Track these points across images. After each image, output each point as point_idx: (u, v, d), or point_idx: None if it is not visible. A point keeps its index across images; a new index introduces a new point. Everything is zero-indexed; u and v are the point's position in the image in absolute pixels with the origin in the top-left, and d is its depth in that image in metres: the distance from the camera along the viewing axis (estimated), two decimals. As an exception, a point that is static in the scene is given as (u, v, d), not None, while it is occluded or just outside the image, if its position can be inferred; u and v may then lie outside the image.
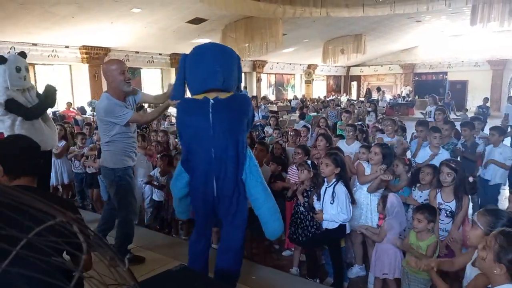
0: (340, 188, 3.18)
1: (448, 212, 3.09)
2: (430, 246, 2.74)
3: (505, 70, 19.63)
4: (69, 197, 6.18)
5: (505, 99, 17.47)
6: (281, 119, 12.75)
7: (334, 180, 3.23)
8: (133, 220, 3.48)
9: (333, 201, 3.17)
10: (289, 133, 5.70)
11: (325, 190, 3.27)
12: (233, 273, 2.60)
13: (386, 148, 3.61)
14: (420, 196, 3.43)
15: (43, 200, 0.58)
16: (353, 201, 3.27)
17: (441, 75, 22.30)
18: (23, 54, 3.66)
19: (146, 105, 12.23)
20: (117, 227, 3.38)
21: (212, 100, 2.44)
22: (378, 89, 21.10)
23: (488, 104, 11.90)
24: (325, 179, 3.30)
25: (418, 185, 3.48)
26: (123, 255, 3.28)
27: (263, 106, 11.66)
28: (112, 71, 3.19)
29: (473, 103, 20.27)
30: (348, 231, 3.24)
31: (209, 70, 2.44)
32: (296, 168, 3.82)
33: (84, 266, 0.62)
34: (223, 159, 2.45)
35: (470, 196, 3.20)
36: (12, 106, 3.42)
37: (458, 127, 5.32)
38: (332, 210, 3.17)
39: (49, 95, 3.65)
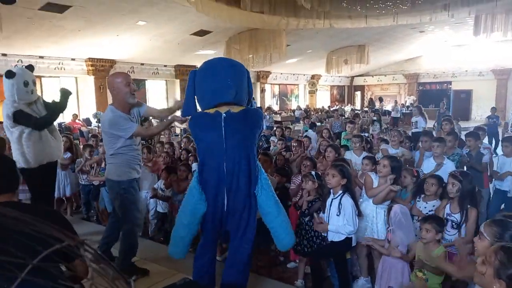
0: (347, 200, 3.17)
1: (454, 224, 3.07)
2: (440, 256, 2.71)
3: (509, 79, 19.60)
4: (74, 209, 6.21)
5: (510, 108, 17.42)
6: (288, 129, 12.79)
7: (340, 191, 3.21)
8: (137, 232, 3.47)
9: (339, 213, 3.15)
10: (292, 143, 5.70)
11: (331, 201, 3.25)
12: (240, 287, 2.58)
13: (395, 160, 3.59)
14: (425, 207, 3.41)
15: (52, 225, 0.59)
16: (359, 213, 3.25)
17: (445, 84, 22.28)
18: (30, 68, 3.73)
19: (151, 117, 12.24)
20: (122, 239, 3.38)
21: (224, 114, 2.47)
22: (380, 99, 21.11)
23: (497, 114, 11.89)
24: (331, 191, 3.29)
25: (422, 196, 3.46)
26: (127, 267, 3.30)
27: (267, 117, 11.69)
28: (117, 83, 3.21)
29: (478, 112, 20.23)
30: (354, 243, 3.22)
31: (221, 83, 2.47)
32: (300, 179, 3.82)
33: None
34: (235, 173, 2.46)
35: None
36: (20, 118, 3.49)
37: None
38: (338, 222, 3.15)
39: (65, 98, 3.80)
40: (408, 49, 19.58)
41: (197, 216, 2.59)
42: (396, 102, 19.77)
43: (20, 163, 3.55)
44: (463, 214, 3.03)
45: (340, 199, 3.19)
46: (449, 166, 4.15)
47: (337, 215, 3.16)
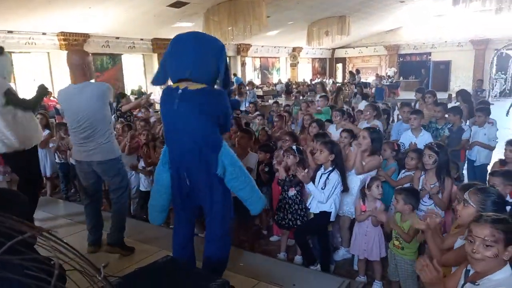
0: (333, 177, 3.22)
1: (430, 194, 3.15)
2: (412, 226, 2.80)
3: (487, 49, 19.85)
4: (54, 190, 6.11)
5: (487, 78, 17.75)
6: (266, 103, 12.73)
7: (330, 168, 3.25)
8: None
9: (324, 187, 3.21)
10: (274, 119, 5.67)
11: (320, 176, 3.31)
12: (221, 261, 2.60)
13: (375, 132, 3.64)
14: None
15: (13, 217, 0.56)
16: (345, 189, 3.30)
17: (425, 55, 22.45)
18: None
19: (129, 94, 12.00)
20: (117, 214, 3.35)
21: (180, 90, 2.37)
22: (357, 71, 21.14)
23: (484, 87, 11.56)
24: (322, 166, 3.33)
25: (404, 170, 3.54)
26: (120, 243, 3.33)
27: (249, 92, 11.57)
28: (88, 62, 3.16)
29: (456, 83, 20.56)
30: (332, 218, 3.29)
31: (180, 59, 2.39)
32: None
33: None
34: (192, 151, 2.40)
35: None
36: (12, 96, 3.37)
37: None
38: (320, 195, 3.22)
39: (40, 97, 3.67)
40: (389, 20, 19.50)
41: (162, 184, 2.62)
42: (377, 75, 19.80)
43: (14, 145, 3.42)
44: (441, 184, 3.12)
45: (328, 175, 3.24)
46: (425, 137, 4.24)
47: (322, 188, 3.21)
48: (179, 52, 2.41)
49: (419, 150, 3.56)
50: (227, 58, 2.39)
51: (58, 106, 10.89)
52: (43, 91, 3.70)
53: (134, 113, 7.49)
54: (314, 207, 3.31)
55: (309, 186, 3.23)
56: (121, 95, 6.99)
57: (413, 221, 2.56)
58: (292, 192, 3.51)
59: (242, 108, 9.95)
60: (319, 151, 3.27)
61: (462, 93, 6.69)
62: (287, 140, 4.06)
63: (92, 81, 3.24)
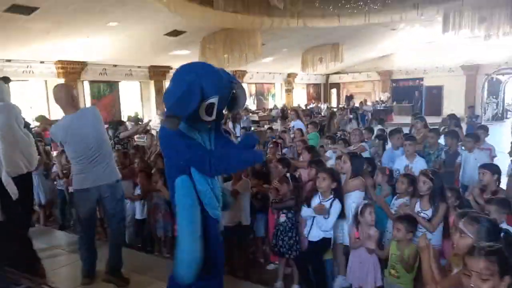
0: (337, 206, 3.21)
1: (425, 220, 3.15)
2: (411, 254, 2.79)
3: (478, 75, 20.27)
4: (48, 217, 6.04)
5: (479, 103, 18.07)
6: (262, 129, 12.81)
7: (331, 196, 3.24)
8: None
9: (328, 216, 3.19)
10: (268, 144, 5.71)
11: (319, 203, 3.27)
12: None
13: (355, 156, 3.68)
14: (394, 205, 3.52)
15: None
16: (343, 216, 3.29)
17: (418, 80, 22.87)
18: (6, 80, 3.62)
19: (125, 120, 12.07)
20: (115, 241, 3.35)
21: None
22: (350, 97, 21.51)
23: (477, 113, 11.47)
24: (319, 194, 3.31)
25: (396, 196, 3.56)
26: (119, 272, 3.32)
27: (244, 117, 11.66)
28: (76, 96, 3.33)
29: (449, 107, 20.84)
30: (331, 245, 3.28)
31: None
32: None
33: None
34: None
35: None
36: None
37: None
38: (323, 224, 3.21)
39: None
40: (381, 47, 19.97)
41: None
42: (365, 101, 20.07)
43: (29, 167, 3.41)
44: (435, 210, 3.13)
45: (332, 203, 3.22)
46: (420, 163, 4.27)
47: (325, 218, 3.19)
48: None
49: (410, 175, 3.60)
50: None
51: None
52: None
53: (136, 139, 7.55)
54: (315, 235, 3.28)
55: (319, 218, 3.20)
56: (119, 123, 7.05)
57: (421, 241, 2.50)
58: (282, 218, 3.50)
59: (238, 134, 10.02)
60: (321, 178, 3.25)
61: (453, 118, 6.86)
62: (279, 167, 4.07)
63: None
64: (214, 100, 2.21)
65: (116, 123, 8.36)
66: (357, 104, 19.70)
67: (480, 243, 1.75)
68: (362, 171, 3.67)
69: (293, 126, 8.36)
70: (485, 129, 5.59)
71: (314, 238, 3.29)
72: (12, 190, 3.17)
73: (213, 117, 2.27)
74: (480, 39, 14.63)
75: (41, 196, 5.58)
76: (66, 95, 3.20)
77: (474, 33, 11.60)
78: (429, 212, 3.17)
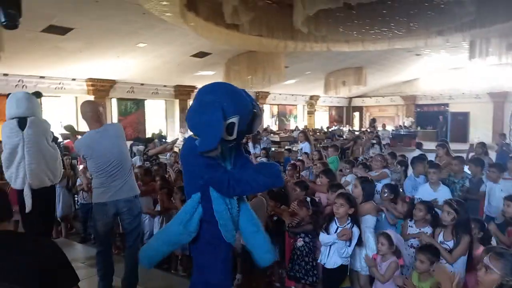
0: (357, 232, 3.15)
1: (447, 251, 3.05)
2: (433, 287, 2.70)
3: (506, 102, 19.77)
4: (70, 230, 6.18)
5: (507, 131, 17.52)
6: (282, 150, 12.79)
7: (348, 221, 3.18)
8: None
9: (350, 243, 3.12)
10: (287, 167, 5.70)
11: (336, 229, 3.21)
12: None
13: (365, 181, 3.62)
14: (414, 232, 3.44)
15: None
16: (360, 243, 3.22)
17: (443, 106, 22.47)
18: (37, 94, 3.77)
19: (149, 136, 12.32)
20: (132, 258, 3.36)
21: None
22: (373, 120, 21.32)
23: (507, 141, 10.49)
24: (335, 219, 3.25)
25: (413, 221, 3.47)
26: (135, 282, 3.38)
27: (264, 138, 11.72)
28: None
29: (475, 134, 20.31)
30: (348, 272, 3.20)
31: None
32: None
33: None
34: None
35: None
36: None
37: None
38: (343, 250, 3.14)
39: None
40: (405, 72, 19.82)
41: None
42: (384, 125, 19.84)
43: (45, 182, 3.51)
44: (457, 242, 3.03)
45: (350, 229, 3.14)
46: (444, 192, 4.17)
47: (347, 245, 3.12)
48: None
49: (428, 202, 3.53)
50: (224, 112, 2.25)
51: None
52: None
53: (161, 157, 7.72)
54: (333, 262, 3.19)
55: (341, 244, 3.11)
56: (148, 140, 7.29)
57: (440, 272, 2.41)
58: (300, 242, 3.45)
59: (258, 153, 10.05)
60: (339, 204, 3.20)
61: (483, 146, 6.72)
62: (295, 190, 4.05)
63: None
64: (235, 120, 2.23)
65: (146, 141, 8.62)
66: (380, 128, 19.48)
67: (507, 279, 1.69)
68: (373, 196, 3.61)
69: (301, 149, 8.42)
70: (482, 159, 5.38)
71: (332, 265, 3.20)
72: (28, 203, 3.28)
73: (234, 136, 2.28)
74: (508, 66, 14.37)
75: (58, 209, 5.67)
76: (92, 111, 3.34)
77: (501, 60, 11.40)
78: (451, 243, 3.07)
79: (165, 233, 2.49)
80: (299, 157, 7.63)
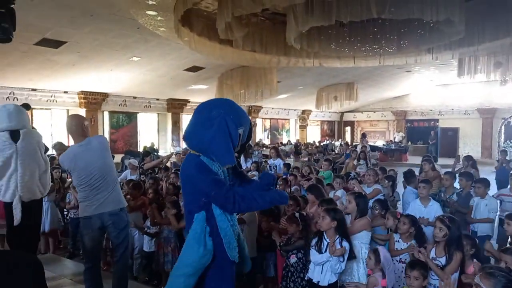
0: (346, 246, 3.12)
1: (439, 268, 3.06)
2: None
3: (494, 118, 20.13)
4: (59, 245, 6.07)
5: (496, 146, 17.81)
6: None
7: (337, 236, 3.15)
8: None
9: (343, 259, 3.09)
10: (278, 182, 5.69)
11: (327, 245, 3.16)
12: None
13: (360, 196, 3.63)
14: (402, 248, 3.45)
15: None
16: (352, 257, 3.19)
17: (433, 122, 22.80)
18: (26, 106, 3.75)
19: (140, 150, 12.25)
20: (120, 276, 3.32)
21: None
22: (363, 135, 21.57)
23: (508, 157, 10.16)
24: (324, 234, 3.22)
25: (399, 236, 3.49)
26: None
27: (256, 152, 11.71)
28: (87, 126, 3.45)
29: (465, 150, 20.59)
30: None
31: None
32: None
33: None
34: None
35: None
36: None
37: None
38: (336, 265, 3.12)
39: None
40: (396, 88, 20.13)
41: None
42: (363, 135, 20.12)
43: (36, 194, 3.44)
44: (450, 258, 3.04)
45: (340, 244, 3.11)
46: (434, 208, 4.19)
47: (340, 261, 3.09)
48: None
49: (412, 217, 3.54)
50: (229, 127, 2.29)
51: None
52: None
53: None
54: (327, 279, 3.13)
55: (333, 259, 3.07)
56: (145, 153, 7.25)
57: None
58: (293, 259, 3.43)
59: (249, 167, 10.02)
60: (321, 217, 3.20)
61: (469, 159, 6.77)
62: (290, 204, 4.04)
63: None
64: (241, 131, 2.34)
65: (143, 154, 8.53)
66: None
67: None
68: (367, 211, 3.62)
69: (275, 165, 8.11)
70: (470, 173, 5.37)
71: (327, 282, 3.15)
72: (17, 215, 3.23)
73: (238, 148, 2.38)
74: (496, 82, 14.68)
75: (46, 223, 5.57)
76: (76, 125, 3.33)
77: (489, 77, 11.65)
78: (443, 260, 3.08)
79: (185, 265, 2.28)
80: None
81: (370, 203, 4.18)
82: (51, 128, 12.73)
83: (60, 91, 12.06)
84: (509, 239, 4.53)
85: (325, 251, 3.13)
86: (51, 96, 11.97)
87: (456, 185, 5.18)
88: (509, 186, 4.86)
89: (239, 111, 2.40)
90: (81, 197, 3.32)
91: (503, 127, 17.78)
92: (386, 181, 5.45)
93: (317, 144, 20.92)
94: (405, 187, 5.33)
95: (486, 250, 3.31)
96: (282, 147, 18.91)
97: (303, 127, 23.15)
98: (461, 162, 7.20)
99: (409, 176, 5.20)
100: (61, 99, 12.28)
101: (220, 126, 2.24)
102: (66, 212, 6.16)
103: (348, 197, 3.61)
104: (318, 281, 3.15)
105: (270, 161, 8.40)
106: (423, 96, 22.36)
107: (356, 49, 8.54)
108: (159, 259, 4.51)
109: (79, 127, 3.33)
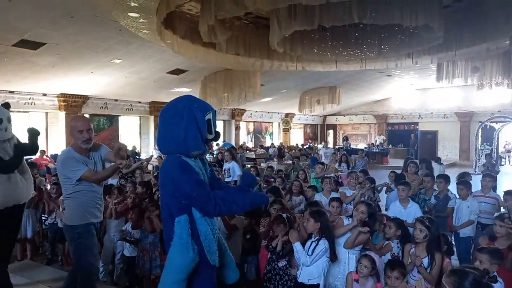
0: (321, 244, 3.18)
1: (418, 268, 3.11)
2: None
3: (472, 121, 20.69)
4: (37, 251, 5.90)
5: (473, 149, 18.30)
6: (258, 167, 12.81)
7: (318, 236, 3.23)
8: (94, 280, 3.30)
9: (311, 253, 3.15)
10: (262, 185, 5.69)
11: (310, 243, 3.25)
12: None
13: (372, 208, 3.65)
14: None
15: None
16: (333, 258, 3.24)
17: (413, 125, 23.28)
18: (6, 105, 3.62)
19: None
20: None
21: None
22: (345, 138, 21.92)
23: (493, 161, 10.24)
24: (312, 234, 3.30)
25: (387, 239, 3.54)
26: None
27: (239, 155, 11.70)
28: (72, 128, 3.23)
29: (443, 152, 21.10)
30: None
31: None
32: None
33: None
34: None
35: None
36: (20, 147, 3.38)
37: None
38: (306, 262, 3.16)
39: (34, 139, 3.59)
40: (377, 91, 20.49)
41: None
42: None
43: (15, 201, 3.34)
44: (431, 259, 3.09)
45: (317, 242, 3.20)
46: (413, 209, 4.27)
47: (308, 255, 3.15)
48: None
49: (397, 219, 3.60)
50: (203, 117, 2.39)
51: (50, 165, 10.87)
52: (33, 135, 3.62)
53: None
54: (304, 276, 3.21)
55: (297, 245, 3.17)
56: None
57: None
58: (282, 263, 3.44)
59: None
60: (306, 219, 3.29)
61: (425, 162, 6.88)
62: (276, 208, 4.05)
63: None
64: (210, 116, 2.40)
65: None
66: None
67: None
68: (374, 224, 3.65)
69: (229, 169, 7.53)
70: (493, 178, 5.20)
71: (304, 280, 3.20)
72: None
73: (213, 134, 2.43)
74: (474, 87, 15.11)
75: (28, 230, 5.43)
76: (75, 128, 3.26)
77: (467, 81, 11.98)
78: (425, 260, 3.13)
79: (178, 271, 2.22)
80: (226, 179, 7.18)
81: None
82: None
83: (39, 94, 11.79)
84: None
85: (312, 253, 3.17)
86: (30, 99, 11.69)
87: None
88: (480, 188, 4.98)
89: (201, 101, 2.52)
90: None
91: (480, 130, 18.29)
92: (368, 184, 5.51)
93: (300, 147, 21.05)
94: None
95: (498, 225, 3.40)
96: (263, 150, 18.98)
97: (286, 130, 23.27)
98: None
99: (399, 180, 5.26)
100: (40, 101, 12.01)
101: (190, 116, 2.31)
102: (44, 218, 5.99)
103: (360, 206, 3.50)
104: (308, 280, 3.19)
105: (225, 165, 7.70)
106: (403, 100, 22.84)
107: (338, 53, 8.65)
108: (144, 264, 4.40)
109: (70, 130, 3.30)
